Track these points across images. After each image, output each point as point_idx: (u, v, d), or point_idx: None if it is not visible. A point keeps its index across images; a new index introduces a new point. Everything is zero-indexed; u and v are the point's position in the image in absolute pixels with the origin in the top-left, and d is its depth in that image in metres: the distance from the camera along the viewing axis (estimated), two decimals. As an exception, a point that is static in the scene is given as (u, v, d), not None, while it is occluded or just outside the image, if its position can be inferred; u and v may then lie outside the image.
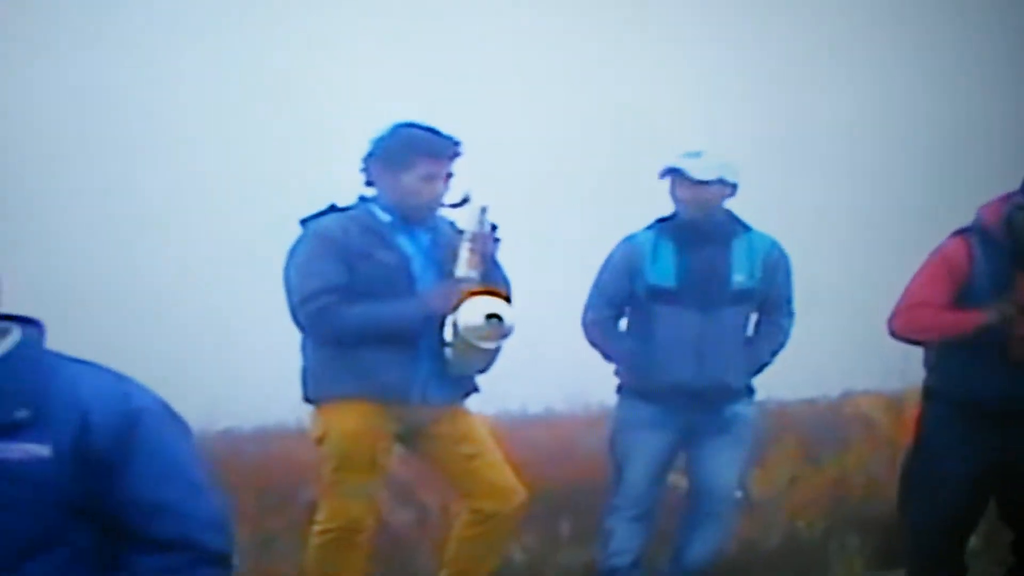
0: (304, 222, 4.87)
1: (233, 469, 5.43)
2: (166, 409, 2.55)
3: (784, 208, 5.71)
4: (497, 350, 4.75)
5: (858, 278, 5.74)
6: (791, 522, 5.94)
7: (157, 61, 5.83)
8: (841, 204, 5.88)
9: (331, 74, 5.88)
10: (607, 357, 5.24)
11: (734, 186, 5.11)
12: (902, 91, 6.11)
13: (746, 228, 5.15)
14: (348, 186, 4.90)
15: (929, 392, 4.91)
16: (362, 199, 4.88)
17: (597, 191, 5.67)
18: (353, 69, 5.91)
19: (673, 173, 5.07)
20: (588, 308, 5.21)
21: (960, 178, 5.86)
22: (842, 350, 5.96)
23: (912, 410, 5.45)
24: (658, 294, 5.09)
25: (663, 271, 5.11)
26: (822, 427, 6.43)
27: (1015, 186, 4.71)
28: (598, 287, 5.20)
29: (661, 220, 5.19)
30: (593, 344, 5.22)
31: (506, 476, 4.88)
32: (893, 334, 4.85)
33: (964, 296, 4.71)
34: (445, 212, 4.93)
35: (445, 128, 4.86)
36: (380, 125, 4.87)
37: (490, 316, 4.64)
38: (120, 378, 2.54)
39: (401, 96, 5.77)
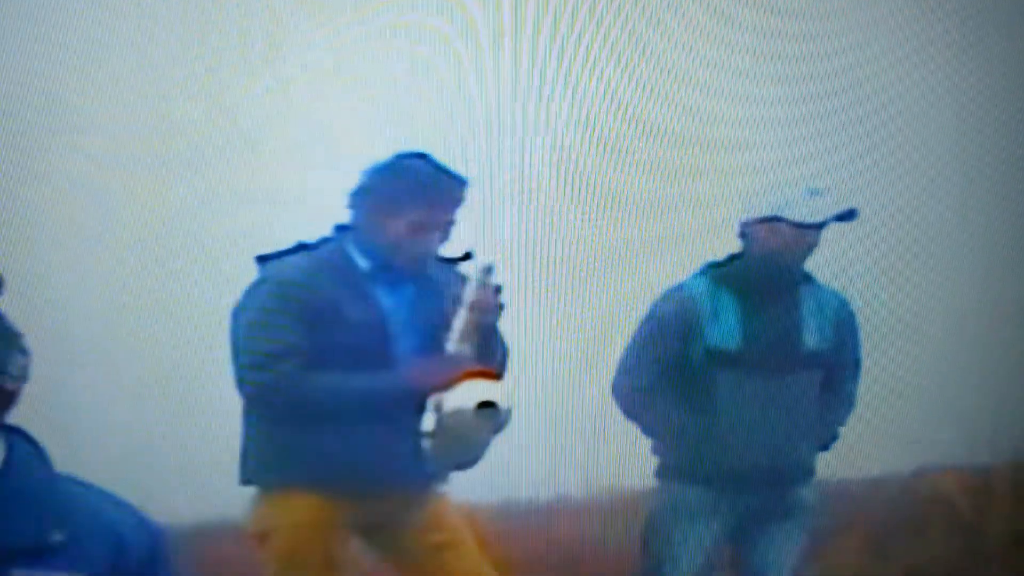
0: (262, 261, 4.20)
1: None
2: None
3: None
4: (487, 445, 4.17)
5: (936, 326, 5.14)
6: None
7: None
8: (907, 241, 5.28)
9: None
10: (649, 433, 4.67)
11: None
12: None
13: (809, 279, 4.56)
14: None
15: None
16: (338, 231, 4.24)
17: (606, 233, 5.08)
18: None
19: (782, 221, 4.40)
20: (625, 372, 4.60)
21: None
22: (916, 417, 5.44)
23: (997, 489, 5.34)
24: (720, 358, 4.50)
25: (727, 331, 4.51)
26: (892, 511, 5.90)
27: None
28: (640, 347, 4.58)
29: (715, 265, 4.57)
30: (631, 417, 4.64)
31: (483, 570, 4.32)
32: None
33: None
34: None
35: (456, 163, 4.27)
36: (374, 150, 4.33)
37: (483, 405, 4.06)
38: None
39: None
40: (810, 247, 4.46)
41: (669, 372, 4.55)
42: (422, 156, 4.22)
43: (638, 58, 5.27)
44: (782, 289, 4.50)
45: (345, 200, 4.25)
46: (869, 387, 4.83)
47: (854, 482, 5.89)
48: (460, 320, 4.14)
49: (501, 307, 4.22)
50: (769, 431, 4.50)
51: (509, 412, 4.12)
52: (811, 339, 4.53)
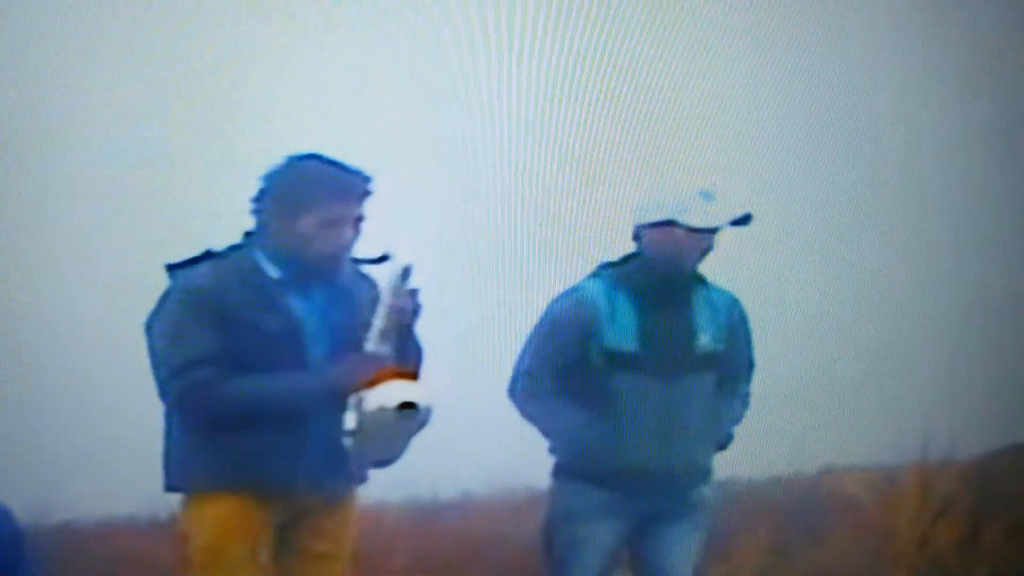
0: (172, 270, 4.26)
1: (74, 569, 5.16)
2: None
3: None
4: (407, 444, 4.26)
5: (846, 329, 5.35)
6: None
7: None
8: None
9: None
10: (547, 434, 4.66)
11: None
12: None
13: (702, 281, 4.59)
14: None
15: None
16: (247, 239, 4.28)
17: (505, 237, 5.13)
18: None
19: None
20: (522, 375, 4.62)
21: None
22: (820, 418, 5.41)
23: (903, 489, 5.41)
24: (616, 359, 4.51)
25: (623, 332, 4.52)
26: (796, 511, 5.93)
27: None
28: (537, 349, 4.61)
29: (609, 265, 4.59)
30: (528, 418, 4.64)
31: None
32: None
33: None
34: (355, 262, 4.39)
35: (356, 161, 4.28)
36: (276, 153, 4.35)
37: (403, 405, 4.16)
38: None
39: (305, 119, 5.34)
40: (704, 251, 4.49)
41: (565, 373, 4.56)
42: (315, 156, 4.29)
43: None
44: (676, 291, 4.53)
45: (249, 207, 4.29)
46: (775, 388, 4.91)
47: (760, 482, 5.99)
48: (378, 321, 4.22)
49: (418, 309, 4.27)
50: (665, 431, 4.52)
51: (429, 411, 4.21)
52: (705, 340, 4.55)
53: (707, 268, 4.62)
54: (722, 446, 4.69)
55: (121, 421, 5.02)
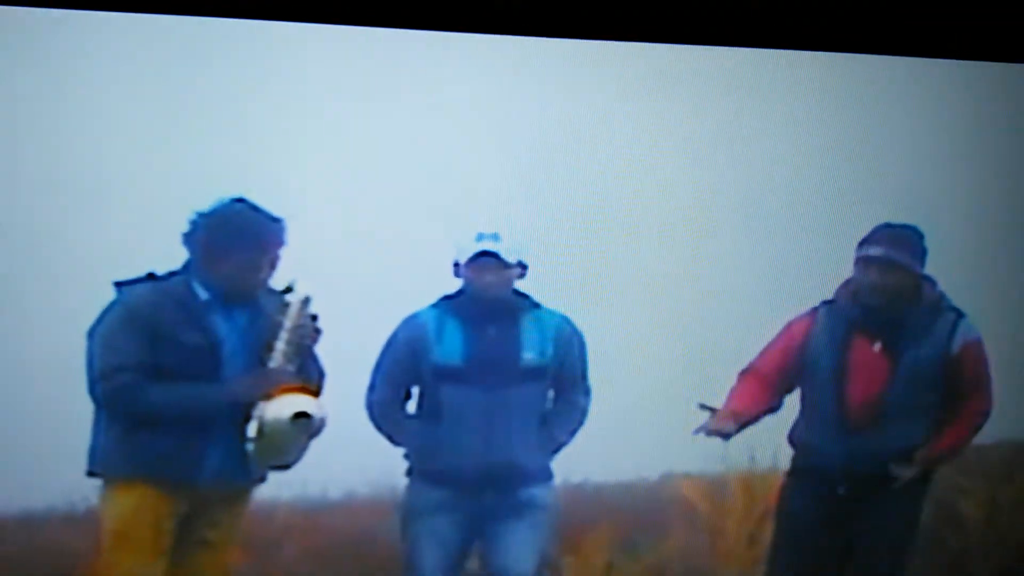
0: (119, 287, 4.75)
1: None
2: None
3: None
4: (303, 450, 4.70)
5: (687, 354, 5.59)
6: (607, 612, 5.64)
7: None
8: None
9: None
10: (392, 440, 5.14)
11: (526, 267, 5.11)
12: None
13: (535, 305, 5.12)
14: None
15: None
16: (186, 267, 4.76)
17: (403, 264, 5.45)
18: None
19: (484, 258, 4.84)
20: (371, 389, 5.11)
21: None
22: (662, 431, 5.71)
23: (732, 494, 5.69)
24: (444, 374, 5.02)
25: (449, 350, 5.03)
26: (640, 512, 6.21)
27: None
28: (380, 367, 5.10)
29: (447, 297, 5.12)
30: (377, 427, 5.11)
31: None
32: None
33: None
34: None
35: (274, 206, 4.75)
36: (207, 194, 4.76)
37: (297, 416, 4.58)
38: None
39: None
40: (509, 280, 5.04)
41: (402, 386, 5.07)
42: (241, 200, 4.73)
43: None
44: (501, 313, 5.03)
45: (181, 239, 4.75)
46: (620, 401, 5.35)
47: (608, 485, 6.12)
48: (281, 342, 4.65)
49: (318, 332, 4.73)
50: (487, 437, 4.98)
51: (323, 421, 4.68)
52: (530, 356, 5.04)
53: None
54: (556, 450, 5.12)
55: (43, 416, 5.09)
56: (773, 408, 5.44)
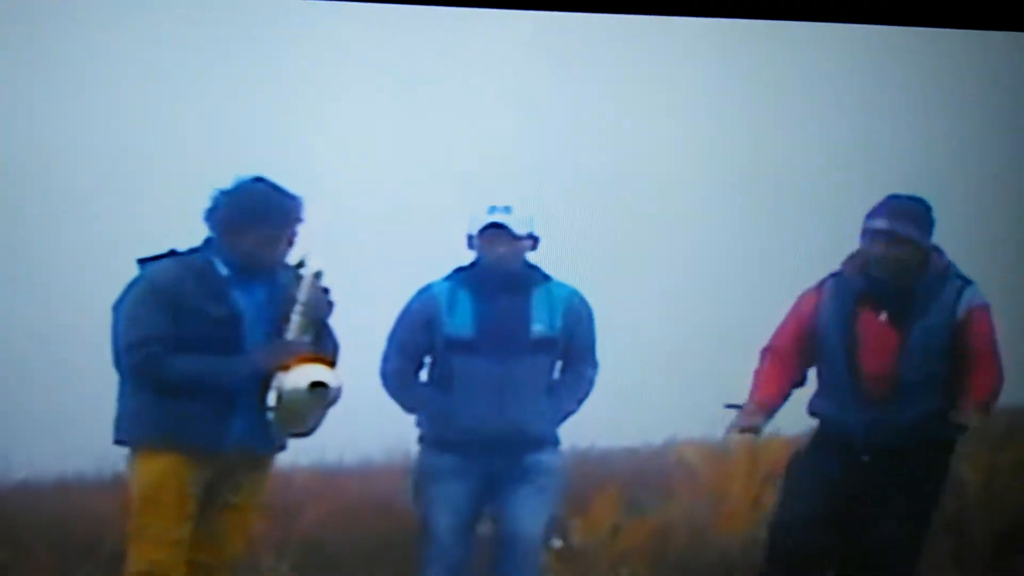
0: (142, 264, 4.82)
1: (28, 525, 5.37)
2: None
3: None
4: (321, 418, 4.75)
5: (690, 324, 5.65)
6: (614, 571, 5.90)
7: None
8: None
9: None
10: (406, 408, 5.20)
11: (537, 239, 5.16)
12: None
13: (546, 278, 5.18)
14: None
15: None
16: (206, 244, 4.83)
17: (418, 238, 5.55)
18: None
19: (494, 229, 5.00)
20: (385, 359, 5.18)
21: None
22: (665, 398, 5.79)
23: (735, 459, 5.66)
24: (456, 345, 5.09)
25: (461, 322, 5.09)
26: (645, 475, 6.36)
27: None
28: (394, 338, 5.17)
29: (459, 270, 5.18)
30: (391, 395, 5.18)
31: (248, 538, 4.92)
32: None
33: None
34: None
35: (292, 183, 4.80)
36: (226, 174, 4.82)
37: (315, 385, 4.64)
38: None
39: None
40: (520, 252, 5.11)
41: (415, 356, 5.14)
42: (260, 179, 4.82)
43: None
44: (511, 286, 5.11)
45: (203, 216, 4.83)
46: (626, 370, 5.41)
47: (614, 451, 6.33)
48: (296, 315, 4.75)
49: (330, 305, 4.85)
50: (501, 406, 5.05)
51: (339, 390, 4.75)
52: (539, 328, 5.10)
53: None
54: (562, 419, 5.20)
55: (75, 386, 5.24)
56: (798, 384, 5.37)
